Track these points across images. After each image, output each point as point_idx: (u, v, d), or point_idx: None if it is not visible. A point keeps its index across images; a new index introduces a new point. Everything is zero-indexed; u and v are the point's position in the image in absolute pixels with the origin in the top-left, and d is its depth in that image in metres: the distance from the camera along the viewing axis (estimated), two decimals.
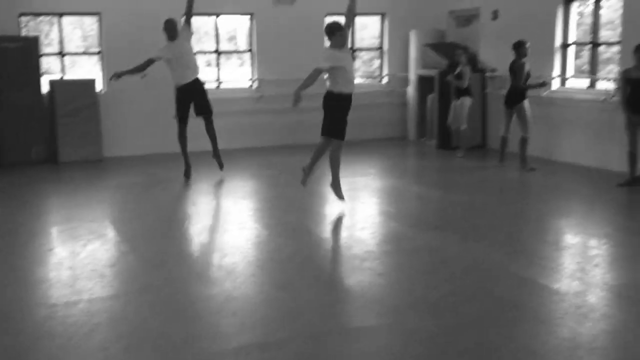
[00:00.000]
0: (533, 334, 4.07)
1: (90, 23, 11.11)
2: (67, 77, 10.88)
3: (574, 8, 10.02)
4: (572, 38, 10.04)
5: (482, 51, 11.08)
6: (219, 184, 8.83)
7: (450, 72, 10.46)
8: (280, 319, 4.37)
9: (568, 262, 5.46)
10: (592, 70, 9.86)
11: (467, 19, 11.66)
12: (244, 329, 4.22)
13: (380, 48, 12.87)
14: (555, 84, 10.15)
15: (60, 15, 10.60)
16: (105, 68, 10.74)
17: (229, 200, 8.24)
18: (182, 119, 8.63)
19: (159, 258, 5.71)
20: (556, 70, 10.06)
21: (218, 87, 11.62)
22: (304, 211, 7.43)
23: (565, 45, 9.97)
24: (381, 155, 11.06)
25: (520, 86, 9.13)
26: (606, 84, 9.68)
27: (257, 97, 11.67)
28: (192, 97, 8.59)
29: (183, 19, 8.68)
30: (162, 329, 4.22)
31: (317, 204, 7.90)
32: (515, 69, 9.15)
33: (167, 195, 8.31)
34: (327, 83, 6.99)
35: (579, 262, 5.47)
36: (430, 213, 7.31)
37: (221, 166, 9.02)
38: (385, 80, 12.86)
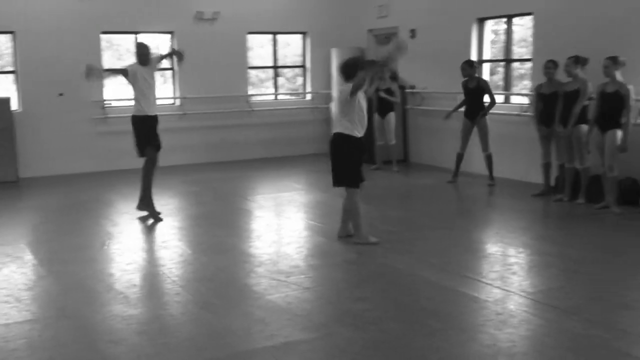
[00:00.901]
0: (456, 342, 4.17)
1: (4, 42, 10.74)
2: None
3: (488, 26, 10.41)
4: (486, 55, 10.42)
5: (401, 68, 11.34)
6: None
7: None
8: (205, 338, 4.31)
9: (487, 270, 5.62)
10: (507, 86, 10.24)
11: (386, 37, 11.92)
12: (168, 350, 4.13)
13: (303, 66, 13.00)
14: None
15: None
16: (20, 87, 10.42)
17: (151, 219, 8.06)
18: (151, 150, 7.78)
19: (78, 280, 5.54)
20: None
21: None
22: (228, 228, 7.38)
23: (480, 62, 10.32)
24: (307, 170, 11.12)
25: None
26: (520, 99, 10.07)
27: (180, 114, 11.57)
28: (150, 131, 7.78)
29: (157, 55, 8.03)
30: (82, 354, 4.09)
31: (242, 220, 7.85)
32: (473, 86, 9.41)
33: (86, 216, 8.08)
34: (339, 126, 6.37)
35: (497, 270, 5.64)
36: None
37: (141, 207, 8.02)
38: (308, 97, 12.99)
